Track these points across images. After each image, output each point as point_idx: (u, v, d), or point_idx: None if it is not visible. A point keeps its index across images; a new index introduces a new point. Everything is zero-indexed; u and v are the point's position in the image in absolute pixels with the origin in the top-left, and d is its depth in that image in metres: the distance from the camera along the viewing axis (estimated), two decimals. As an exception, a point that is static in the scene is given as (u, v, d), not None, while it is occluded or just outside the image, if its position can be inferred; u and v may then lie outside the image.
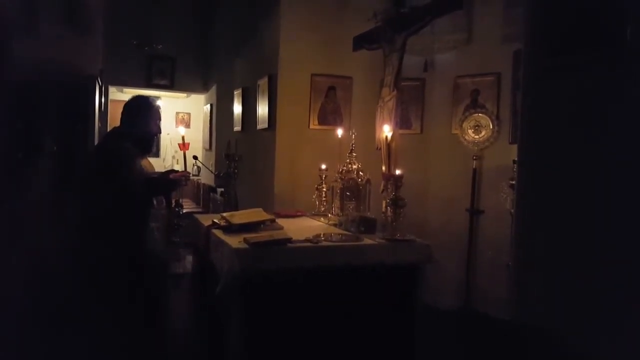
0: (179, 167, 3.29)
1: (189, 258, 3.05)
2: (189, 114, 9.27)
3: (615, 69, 1.74)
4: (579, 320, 1.83)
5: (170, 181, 3.00)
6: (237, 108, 5.95)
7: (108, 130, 4.43)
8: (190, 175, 3.26)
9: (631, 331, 1.67)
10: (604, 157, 1.78)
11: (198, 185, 7.33)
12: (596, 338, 1.76)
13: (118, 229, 2.81)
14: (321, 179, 3.59)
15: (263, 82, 4.84)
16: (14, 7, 3.57)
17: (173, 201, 3.21)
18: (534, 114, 2.08)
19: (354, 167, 3.32)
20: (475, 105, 4.43)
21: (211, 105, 7.87)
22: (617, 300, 1.71)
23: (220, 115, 7.35)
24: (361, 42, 3.98)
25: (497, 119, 4.29)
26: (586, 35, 1.80)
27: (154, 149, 3.36)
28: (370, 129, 3.70)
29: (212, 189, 6.41)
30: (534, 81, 2.08)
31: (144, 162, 3.03)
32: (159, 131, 3.16)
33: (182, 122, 9.05)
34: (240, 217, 3.06)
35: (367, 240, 2.84)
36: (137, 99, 3.13)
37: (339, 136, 3.57)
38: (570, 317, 1.87)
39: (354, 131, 3.47)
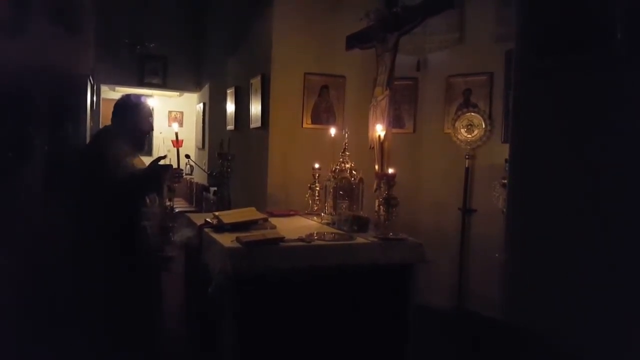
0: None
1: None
2: (181, 112, 9.24)
3: (605, 69, 1.76)
4: (570, 319, 1.85)
5: (159, 168, 2.84)
6: (230, 107, 5.93)
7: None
8: (183, 173, 3.23)
9: (623, 331, 1.68)
10: (593, 156, 1.79)
11: (191, 184, 7.32)
12: (588, 337, 1.78)
13: (110, 228, 2.79)
14: (314, 178, 3.60)
15: (256, 81, 4.83)
16: (3, 6, 3.55)
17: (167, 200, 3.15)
18: (525, 114, 2.09)
19: (347, 166, 3.32)
20: (467, 104, 4.45)
21: (204, 104, 7.84)
22: (608, 299, 1.72)
23: (213, 114, 7.32)
24: (354, 41, 3.98)
25: (489, 118, 4.31)
26: (576, 36, 1.81)
27: (146, 147, 3.30)
28: (363, 128, 3.71)
29: (205, 188, 6.39)
30: (524, 81, 2.09)
31: (136, 161, 3.00)
32: (151, 129, 3.14)
33: (175, 120, 9.02)
34: (232, 216, 3.05)
35: (360, 239, 2.84)
36: (127, 97, 3.11)
37: (332, 135, 3.58)
38: (562, 316, 1.88)
39: (347, 130, 3.48)
